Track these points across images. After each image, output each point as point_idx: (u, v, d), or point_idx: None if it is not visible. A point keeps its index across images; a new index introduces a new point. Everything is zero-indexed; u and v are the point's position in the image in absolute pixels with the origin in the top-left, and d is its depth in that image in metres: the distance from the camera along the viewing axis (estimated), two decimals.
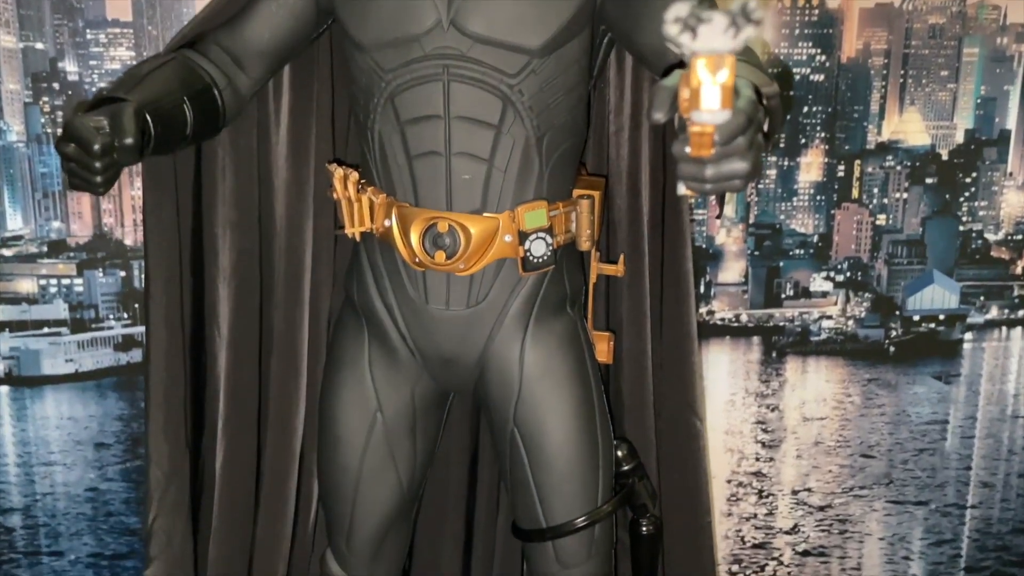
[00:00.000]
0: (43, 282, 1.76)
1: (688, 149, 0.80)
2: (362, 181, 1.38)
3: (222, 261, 1.56)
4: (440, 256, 1.32)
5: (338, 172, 1.38)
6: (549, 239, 1.34)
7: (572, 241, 1.40)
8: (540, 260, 1.34)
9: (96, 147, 1.10)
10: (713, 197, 1.35)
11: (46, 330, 1.78)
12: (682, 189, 0.89)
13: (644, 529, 1.53)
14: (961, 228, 1.95)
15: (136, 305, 1.78)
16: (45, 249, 1.76)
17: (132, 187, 1.74)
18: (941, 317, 1.99)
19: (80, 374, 1.80)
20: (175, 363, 1.55)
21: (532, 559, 1.47)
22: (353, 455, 1.47)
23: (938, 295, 1.97)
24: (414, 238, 1.32)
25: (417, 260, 1.33)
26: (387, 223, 1.35)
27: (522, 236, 1.32)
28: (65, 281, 1.76)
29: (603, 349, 1.50)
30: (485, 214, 1.32)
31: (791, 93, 1.86)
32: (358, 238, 1.40)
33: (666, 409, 1.63)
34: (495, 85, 1.26)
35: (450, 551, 1.78)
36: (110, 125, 1.12)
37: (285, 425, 1.61)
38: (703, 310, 1.94)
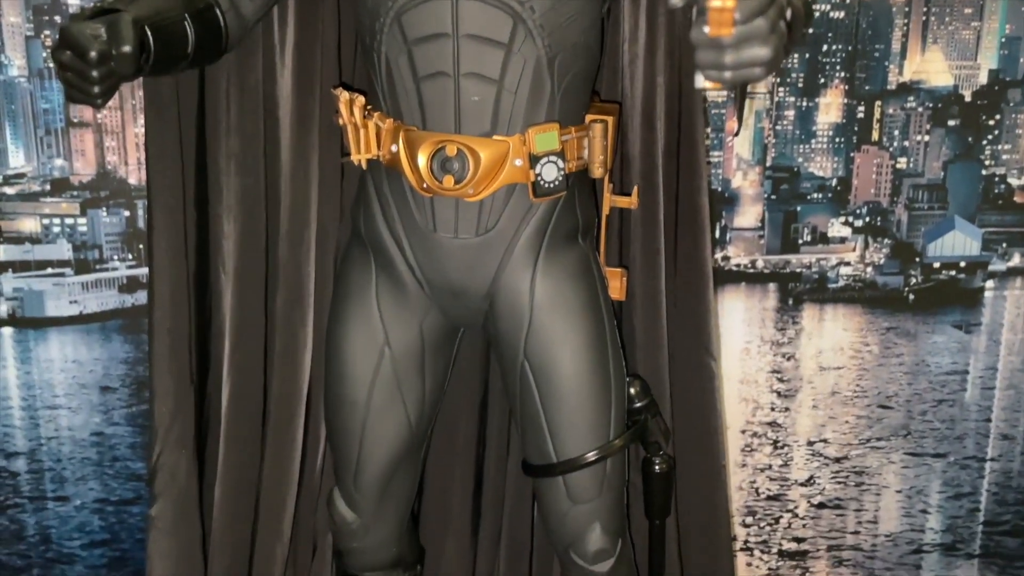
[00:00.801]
0: (46, 221, 1.74)
1: (707, 28, 0.76)
2: (368, 107, 1.35)
3: (227, 196, 1.53)
4: (448, 181, 1.28)
5: (343, 96, 1.34)
6: (561, 163, 1.30)
7: (584, 169, 1.36)
8: (551, 185, 1.30)
9: (92, 54, 1.07)
10: (732, 106, 1.30)
11: (49, 271, 1.75)
12: (700, 81, 0.85)
13: (657, 467, 1.49)
14: (984, 172, 1.89)
15: (141, 246, 1.75)
16: (48, 188, 1.73)
17: (136, 124, 1.71)
18: (962, 264, 1.94)
19: (84, 316, 1.78)
20: (179, 298, 1.53)
21: (542, 497, 1.44)
22: (360, 390, 1.44)
23: (959, 241, 1.93)
24: (422, 162, 1.28)
25: (425, 186, 1.30)
26: (394, 148, 1.31)
27: (533, 160, 1.28)
28: (68, 221, 1.74)
29: (616, 286, 1.46)
30: (495, 137, 1.28)
31: (810, 31, 1.81)
32: (364, 165, 1.37)
33: (680, 350, 1.59)
34: (505, 1, 1.22)
35: (460, 495, 1.75)
36: (107, 33, 1.09)
37: (292, 363, 1.58)
38: (718, 255, 1.90)
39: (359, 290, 1.43)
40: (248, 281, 1.57)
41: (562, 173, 1.30)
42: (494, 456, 1.73)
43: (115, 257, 1.77)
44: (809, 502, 2.05)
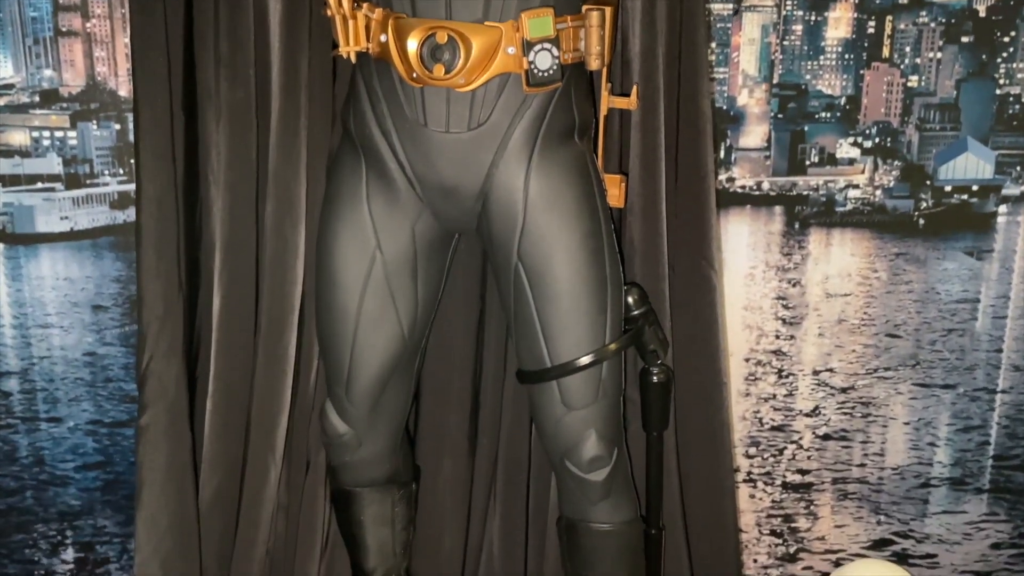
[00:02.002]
0: (35, 134, 1.70)
1: None
2: None
3: (216, 103, 1.49)
4: (439, 70, 1.24)
5: None
6: (555, 52, 1.25)
7: (581, 62, 1.31)
8: (546, 75, 1.26)
9: None
10: None
11: (40, 185, 1.72)
12: None
13: (655, 378, 1.45)
14: (998, 92, 1.83)
15: (131, 161, 1.71)
16: (37, 99, 1.70)
17: (125, 34, 1.67)
18: (974, 188, 1.88)
19: (75, 232, 1.75)
20: (166, 202, 1.49)
21: (537, 404, 1.41)
22: (351, 297, 1.41)
23: (972, 164, 1.87)
24: (412, 49, 1.24)
25: (415, 75, 1.25)
26: (383, 39, 1.27)
27: (526, 47, 1.24)
28: (58, 134, 1.71)
29: (615, 193, 1.42)
30: (487, 23, 1.24)
31: None
32: (353, 58, 1.32)
33: (680, 260, 1.55)
34: None
35: (456, 415, 1.72)
36: None
37: (283, 273, 1.55)
38: (722, 176, 1.85)
39: (349, 193, 1.39)
40: (238, 188, 1.53)
41: (557, 62, 1.26)
42: (491, 376, 1.70)
43: (106, 172, 1.74)
44: (814, 433, 2.01)
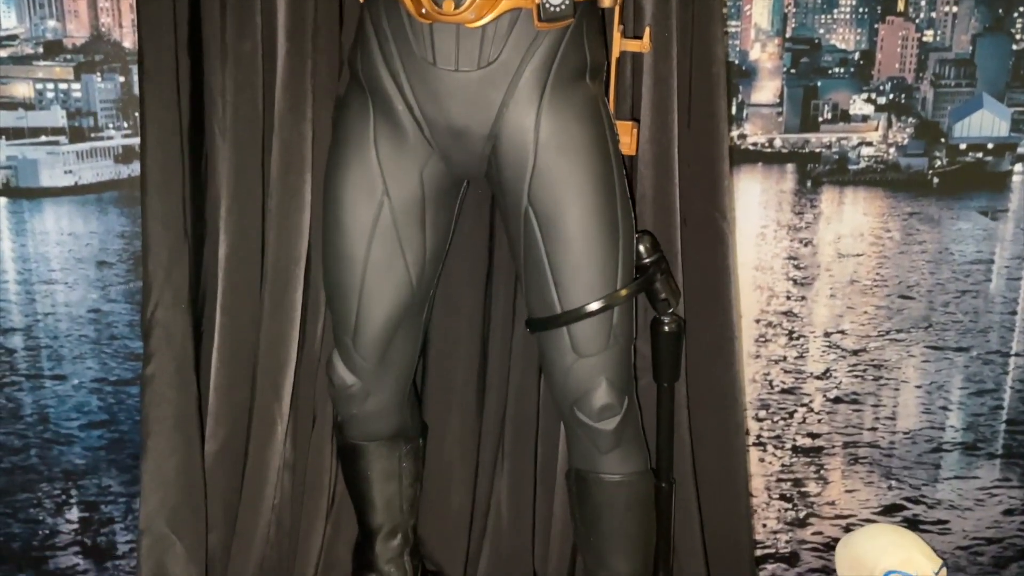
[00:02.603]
0: (39, 86, 1.68)
1: None
2: None
3: (221, 48, 1.47)
4: (448, 5, 1.22)
5: None
6: None
7: (593, 1, 1.29)
8: (557, 9, 1.23)
9: None
10: None
11: (43, 139, 1.70)
12: None
13: (666, 327, 1.43)
14: (1015, 47, 1.80)
15: (136, 114, 1.69)
16: (40, 50, 1.68)
17: None
18: (990, 146, 1.85)
19: (80, 187, 1.73)
20: (172, 153, 1.48)
21: (547, 352, 1.39)
22: (359, 243, 1.39)
23: (987, 121, 1.84)
24: None
25: (423, 11, 1.23)
26: None
27: None
28: (62, 86, 1.69)
29: (626, 140, 1.40)
30: None
31: None
32: None
33: (692, 210, 1.53)
34: None
35: (464, 373, 1.70)
36: None
37: (289, 224, 1.53)
38: (734, 133, 1.83)
39: (356, 138, 1.37)
40: (244, 141, 1.51)
41: None
42: (499, 333, 1.68)
43: (110, 125, 1.72)
44: (825, 396, 1.99)
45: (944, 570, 1.72)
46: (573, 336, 1.35)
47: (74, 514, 1.87)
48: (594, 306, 1.32)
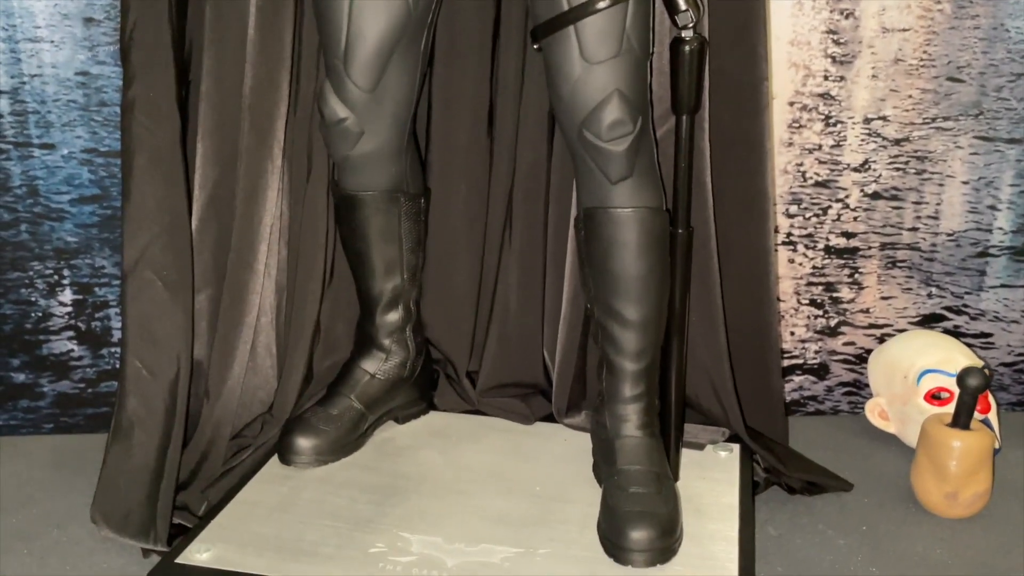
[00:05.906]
0: None
1: None
2: None
3: None
4: None
5: None
6: None
7: None
8: None
9: None
10: None
11: None
12: None
13: (687, 47, 1.27)
14: None
15: None
16: None
17: None
18: None
19: None
20: None
21: (555, 65, 1.26)
22: None
23: None
24: None
25: None
26: None
27: None
28: None
29: None
30: None
31: None
32: None
33: None
34: None
35: (471, 128, 1.59)
36: None
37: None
38: None
39: None
40: None
41: None
42: (510, 86, 1.56)
43: None
44: (862, 191, 1.84)
45: (988, 371, 1.59)
46: (582, 39, 1.22)
47: (67, 296, 1.80)
48: (604, 2, 1.19)
